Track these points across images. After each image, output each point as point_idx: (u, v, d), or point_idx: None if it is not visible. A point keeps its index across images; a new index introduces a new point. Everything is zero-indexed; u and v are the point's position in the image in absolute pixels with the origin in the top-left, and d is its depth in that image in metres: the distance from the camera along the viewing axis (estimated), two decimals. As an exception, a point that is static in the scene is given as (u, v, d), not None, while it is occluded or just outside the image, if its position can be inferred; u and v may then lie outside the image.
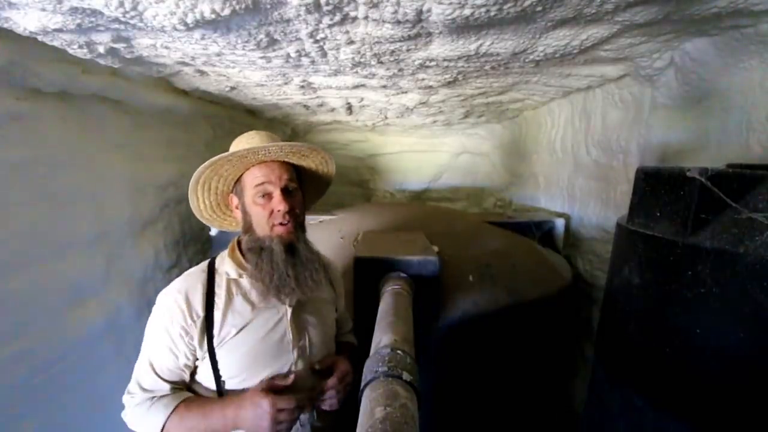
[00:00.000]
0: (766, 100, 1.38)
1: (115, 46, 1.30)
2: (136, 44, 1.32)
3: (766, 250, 0.83)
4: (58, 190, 1.57)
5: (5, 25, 1.12)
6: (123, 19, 1.06)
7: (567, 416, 2.35)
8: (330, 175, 1.19)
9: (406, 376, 0.78)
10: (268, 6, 1.05)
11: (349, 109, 2.90)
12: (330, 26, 1.21)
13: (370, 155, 4.77)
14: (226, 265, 1.04)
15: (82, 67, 1.52)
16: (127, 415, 0.97)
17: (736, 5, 1.19)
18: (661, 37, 1.49)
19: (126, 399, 0.98)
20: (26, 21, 1.07)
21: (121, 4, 0.97)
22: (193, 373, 1.00)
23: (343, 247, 1.84)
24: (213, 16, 1.04)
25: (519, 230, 2.43)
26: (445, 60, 1.61)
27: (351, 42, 1.36)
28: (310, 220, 2.28)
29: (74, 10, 1.01)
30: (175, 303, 0.96)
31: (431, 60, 1.61)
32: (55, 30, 1.12)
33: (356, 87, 2.15)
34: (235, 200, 1.07)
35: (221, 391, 0.98)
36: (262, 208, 0.99)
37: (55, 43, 1.24)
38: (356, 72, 1.81)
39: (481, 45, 1.43)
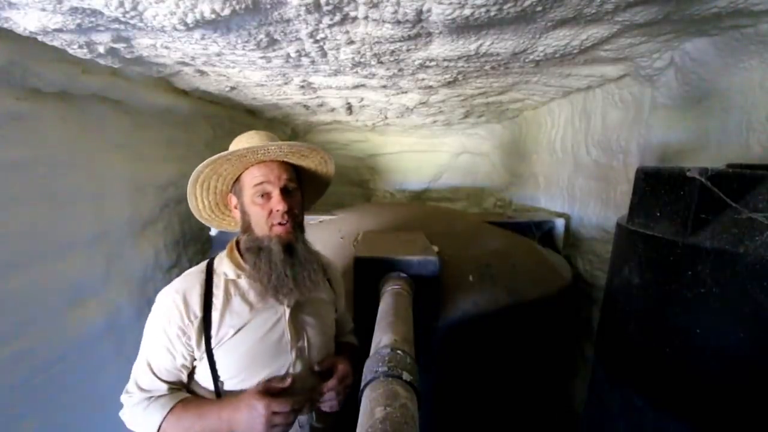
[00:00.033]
0: (766, 100, 1.38)
1: (115, 46, 1.30)
2: (136, 44, 1.32)
3: (766, 250, 0.83)
4: (58, 190, 1.57)
5: (5, 25, 1.12)
6: (123, 19, 1.06)
7: (567, 416, 2.35)
8: (329, 175, 1.19)
9: (406, 376, 0.78)
10: (268, 6, 1.05)
11: (349, 109, 2.90)
12: (330, 26, 1.21)
13: (370, 155, 4.77)
14: (224, 265, 1.04)
15: (82, 67, 1.52)
16: (125, 414, 0.98)
17: (736, 5, 1.19)
18: (661, 37, 1.48)
19: (124, 398, 0.98)
20: (26, 21, 1.07)
21: (121, 4, 0.97)
22: (191, 374, 1.00)
23: (343, 247, 1.84)
24: (213, 16, 1.04)
25: (519, 230, 2.43)
26: (445, 60, 1.61)
27: (351, 42, 1.36)
28: (310, 220, 2.28)
29: (74, 10, 1.01)
30: (173, 303, 0.96)
31: (431, 60, 1.61)
32: (55, 30, 1.12)
33: (356, 87, 2.15)
34: (233, 200, 1.07)
35: (219, 392, 0.98)
36: (260, 208, 0.99)
37: (55, 43, 1.24)
38: (356, 72, 1.81)
39: (481, 45, 1.43)
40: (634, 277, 1.13)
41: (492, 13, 1.11)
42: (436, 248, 1.57)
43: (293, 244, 1.02)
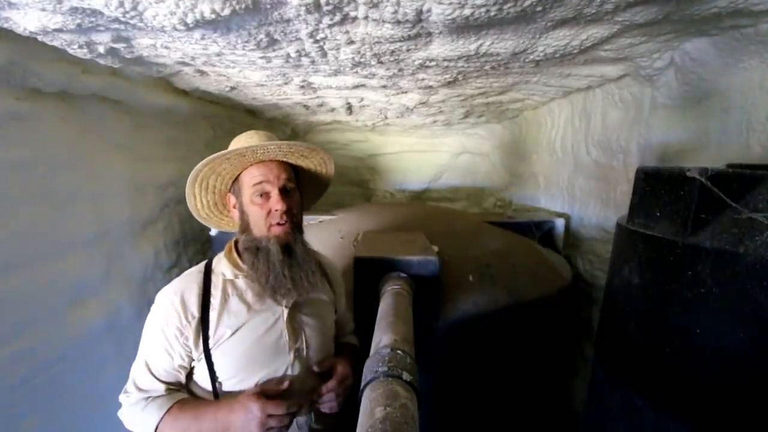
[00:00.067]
0: (766, 100, 1.38)
1: (115, 46, 1.30)
2: (136, 44, 1.32)
3: (766, 250, 0.83)
4: (58, 190, 1.57)
5: (5, 25, 1.12)
6: (123, 19, 1.06)
7: (567, 416, 2.35)
8: (329, 176, 1.19)
9: (406, 376, 0.78)
10: (268, 6, 1.05)
11: (349, 109, 2.90)
12: (330, 26, 1.21)
13: (370, 155, 4.77)
14: (222, 265, 1.04)
15: (82, 67, 1.52)
16: (123, 414, 0.98)
17: (736, 5, 1.19)
18: (661, 37, 1.48)
19: (122, 398, 0.98)
20: (26, 21, 1.07)
21: (121, 4, 0.97)
22: (190, 374, 1.00)
23: (343, 247, 1.84)
24: (213, 16, 1.04)
25: (519, 230, 2.43)
26: (445, 60, 1.61)
27: (351, 42, 1.36)
28: (310, 220, 2.28)
29: (74, 10, 1.01)
30: (170, 304, 0.96)
31: (431, 60, 1.61)
32: (55, 30, 1.12)
33: (356, 87, 2.15)
34: (232, 199, 1.06)
35: (217, 393, 0.98)
36: (259, 208, 0.99)
37: (55, 43, 1.24)
38: (356, 72, 1.81)
39: (481, 45, 1.43)
40: (634, 277, 1.13)
41: (492, 13, 1.11)
42: (436, 248, 1.57)
43: (291, 245, 1.01)
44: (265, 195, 0.99)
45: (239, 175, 1.03)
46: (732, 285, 0.88)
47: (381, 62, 1.63)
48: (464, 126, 3.96)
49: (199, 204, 1.08)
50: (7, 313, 1.35)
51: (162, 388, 0.96)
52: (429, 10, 1.10)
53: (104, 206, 1.81)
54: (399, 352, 0.85)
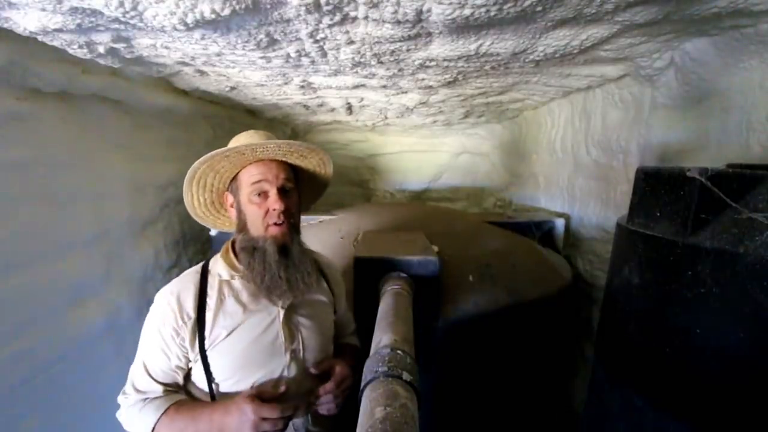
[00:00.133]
0: (766, 100, 1.38)
1: (115, 46, 1.30)
2: (136, 44, 1.32)
3: (766, 250, 0.83)
4: (58, 190, 1.57)
5: (5, 25, 1.12)
6: (123, 19, 1.06)
7: (567, 416, 2.35)
8: (328, 176, 1.18)
9: (406, 376, 0.78)
10: (268, 6, 1.05)
11: (349, 109, 2.90)
12: (330, 26, 1.21)
13: (370, 155, 4.77)
14: (219, 266, 1.04)
15: (82, 67, 1.52)
16: (121, 416, 0.98)
17: (736, 5, 1.19)
18: (661, 37, 1.48)
19: (120, 399, 0.98)
20: (26, 21, 1.07)
21: (121, 4, 0.97)
22: (187, 375, 1.00)
23: (343, 247, 1.84)
24: (213, 16, 1.04)
25: (519, 230, 2.43)
26: (445, 60, 1.61)
27: (351, 42, 1.36)
28: (310, 220, 2.28)
29: (74, 10, 1.01)
30: (167, 304, 0.96)
31: (431, 60, 1.61)
32: (55, 30, 1.12)
33: (356, 87, 2.15)
34: (230, 198, 1.06)
35: (213, 394, 0.98)
36: (257, 207, 0.99)
37: (55, 43, 1.24)
38: (356, 72, 1.81)
39: (481, 45, 1.43)
40: (634, 277, 1.13)
41: (492, 13, 1.11)
42: (436, 248, 1.57)
43: (288, 246, 1.01)
44: (264, 194, 0.99)
45: (237, 173, 1.03)
46: (732, 285, 0.88)
47: (381, 62, 1.63)
48: (464, 126, 3.96)
49: (196, 202, 1.07)
50: (7, 313, 1.35)
51: (159, 389, 0.96)
52: (429, 10, 1.10)
53: (104, 206, 1.80)
54: (399, 352, 0.85)
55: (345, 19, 1.17)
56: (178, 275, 1.05)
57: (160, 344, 0.95)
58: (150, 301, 1.00)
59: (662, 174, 1.08)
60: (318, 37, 1.30)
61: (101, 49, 1.31)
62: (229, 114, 2.76)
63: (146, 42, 1.30)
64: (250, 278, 1.00)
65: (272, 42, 1.34)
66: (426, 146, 4.71)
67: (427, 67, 1.72)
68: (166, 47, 1.36)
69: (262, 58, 1.52)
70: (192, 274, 1.03)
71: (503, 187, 4.15)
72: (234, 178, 1.04)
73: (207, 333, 0.96)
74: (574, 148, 2.62)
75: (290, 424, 0.97)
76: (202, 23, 1.10)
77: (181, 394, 0.99)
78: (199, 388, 1.00)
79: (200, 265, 1.06)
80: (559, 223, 2.58)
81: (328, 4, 1.05)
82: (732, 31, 1.41)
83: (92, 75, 1.58)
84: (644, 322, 1.10)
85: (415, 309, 1.23)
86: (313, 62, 1.62)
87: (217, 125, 2.75)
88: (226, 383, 0.97)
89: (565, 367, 2.42)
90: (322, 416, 1.04)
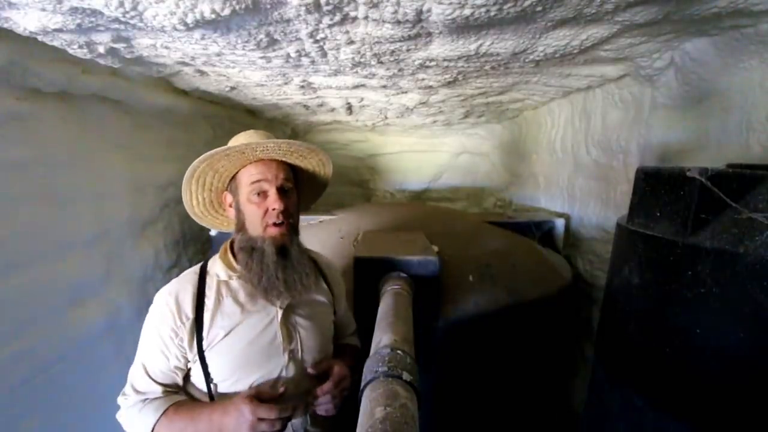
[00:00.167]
0: (766, 100, 1.38)
1: (115, 46, 1.30)
2: (136, 44, 1.32)
3: (766, 250, 0.83)
4: (58, 190, 1.57)
5: (5, 25, 1.12)
6: (123, 19, 1.06)
7: (567, 416, 2.35)
8: (327, 177, 1.18)
9: (406, 376, 0.78)
10: (268, 6, 1.05)
11: (349, 109, 2.90)
12: (330, 26, 1.21)
13: (370, 155, 4.77)
14: (217, 266, 1.04)
15: (82, 67, 1.52)
16: (121, 417, 0.98)
17: (736, 5, 1.19)
18: (661, 37, 1.48)
19: (120, 400, 0.98)
20: (26, 21, 1.07)
21: (121, 4, 0.97)
22: (187, 376, 1.00)
23: (343, 247, 1.84)
24: (213, 16, 1.04)
25: (519, 230, 2.43)
26: (445, 60, 1.61)
27: (351, 42, 1.36)
28: (310, 220, 2.28)
29: (74, 10, 1.01)
30: (165, 305, 0.96)
31: (431, 60, 1.61)
32: (55, 30, 1.12)
33: (356, 87, 2.15)
34: (229, 198, 1.06)
35: (212, 394, 0.98)
36: (256, 207, 0.98)
37: (55, 43, 1.24)
38: (356, 72, 1.81)
39: (481, 45, 1.43)
40: (634, 277, 1.13)
41: (492, 13, 1.11)
42: (436, 248, 1.57)
43: (287, 247, 1.01)
44: (263, 194, 0.99)
45: (237, 173, 1.03)
46: (732, 285, 0.88)
47: (381, 62, 1.63)
48: (464, 126, 3.96)
49: (194, 201, 1.07)
50: (7, 313, 1.35)
51: (159, 390, 0.96)
52: (429, 10, 1.10)
53: (104, 206, 1.80)
54: (399, 352, 0.85)
55: (345, 19, 1.17)
56: (178, 275, 1.05)
57: (158, 345, 0.95)
58: (150, 301, 1.00)
59: (662, 174, 1.08)
60: (318, 37, 1.30)
61: (101, 49, 1.31)
62: (229, 114, 2.76)
63: (146, 42, 1.30)
64: (247, 278, 0.99)
65: (272, 42, 1.34)
66: (426, 146, 4.71)
67: (427, 67, 1.72)
68: (166, 47, 1.36)
69: (262, 58, 1.52)
70: (190, 274, 1.03)
71: (503, 187, 4.15)
72: (233, 178, 1.04)
73: (205, 333, 0.96)
74: (574, 148, 2.62)
75: (289, 424, 0.97)
76: (202, 23, 1.10)
77: (180, 395, 0.99)
78: (197, 388, 1.00)
79: (199, 265, 1.06)
80: (559, 223, 2.58)
81: (328, 4, 1.05)
82: (732, 31, 1.41)
83: (92, 75, 1.58)
84: (644, 322, 1.10)
85: (415, 309, 1.23)
86: (313, 62, 1.62)
87: (217, 125, 2.75)
88: (224, 383, 0.97)
89: (565, 367, 2.42)
90: (321, 417, 1.03)
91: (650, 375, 1.08)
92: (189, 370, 0.99)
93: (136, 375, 0.97)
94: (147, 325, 0.98)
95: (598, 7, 1.14)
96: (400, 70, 1.78)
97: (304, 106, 2.75)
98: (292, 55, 1.50)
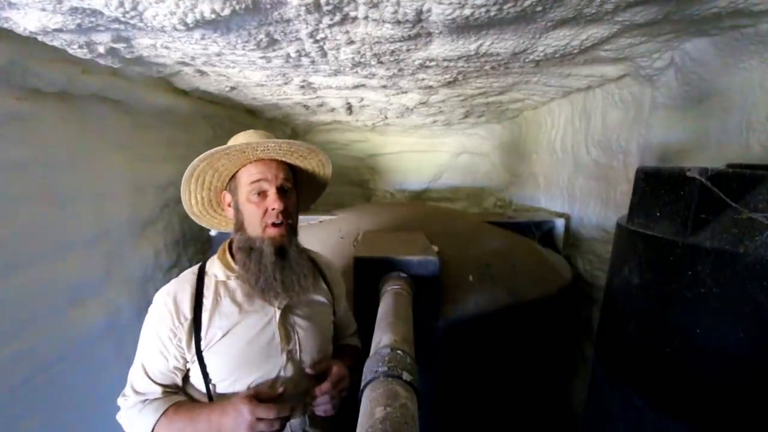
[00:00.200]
0: (766, 100, 1.38)
1: (115, 46, 1.30)
2: (136, 44, 1.32)
3: (766, 250, 0.83)
4: (58, 190, 1.57)
5: (5, 25, 1.12)
6: (123, 19, 1.06)
7: (567, 416, 2.36)
8: (326, 177, 1.18)
9: (406, 376, 0.78)
10: (268, 6, 1.05)
11: (349, 109, 2.90)
12: (330, 26, 1.21)
13: (370, 155, 4.77)
14: (215, 267, 1.04)
15: (82, 67, 1.52)
16: (121, 418, 0.98)
17: (736, 5, 1.19)
18: (661, 37, 1.48)
19: (120, 401, 0.98)
20: (26, 21, 1.07)
21: (121, 4, 0.97)
22: (186, 376, 1.00)
23: (343, 247, 1.84)
24: (213, 16, 1.04)
25: (519, 230, 2.43)
26: (445, 60, 1.61)
27: (351, 42, 1.36)
28: (310, 220, 2.28)
29: (74, 10, 1.01)
30: (164, 305, 0.96)
31: (431, 60, 1.61)
32: (55, 30, 1.12)
33: (356, 87, 2.15)
34: (228, 197, 1.06)
35: (211, 394, 0.98)
36: (255, 206, 0.98)
37: (55, 43, 1.24)
38: (356, 72, 1.81)
39: (481, 45, 1.43)
40: (634, 277, 1.13)
41: (492, 13, 1.11)
42: (436, 248, 1.57)
43: (286, 247, 1.01)
44: (262, 193, 0.99)
45: (236, 172, 1.03)
46: (732, 285, 0.88)
47: (381, 62, 1.63)
48: (464, 126, 3.96)
49: (193, 200, 1.07)
50: (7, 313, 1.35)
51: (158, 390, 0.96)
52: (429, 10, 1.10)
53: (104, 206, 1.80)
54: (399, 352, 0.85)
55: (345, 19, 1.17)
56: (177, 275, 1.05)
57: (157, 346, 0.95)
58: (150, 302, 1.00)
59: (662, 174, 1.08)
60: (318, 37, 1.30)
61: (101, 49, 1.31)
62: (229, 114, 2.76)
63: (146, 42, 1.30)
64: (245, 279, 0.99)
65: (272, 42, 1.34)
66: (426, 146, 4.71)
67: (427, 67, 1.72)
68: (166, 47, 1.36)
69: (262, 58, 1.52)
70: (189, 275, 1.03)
71: (503, 187, 4.15)
72: (233, 177, 1.04)
73: (203, 334, 0.96)
74: (574, 148, 2.62)
75: (288, 425, 0.97)
76: (202, 23, 1.10)
77: (180, 396, 0.99)
78: (196, 388, 1.00)
79: (197, 266, 1.06)
80: (559, 223, 2.58)
81: (328, 4, 1.05)
82: (732, 31, 1.41)
83: (92, 75, 1.58)
84: (644, 322, 1.10)
85: (415, 309, 1.23)
86: (313, 62, 1.62)
87: (217, 125, 2.75)
88: (222, 384, 0.97)
89: (565, 367, 2.42)
90: (320, 417, 1.03)
91: (650, 375, 1.08)
92: (188, 370, 0.99)
93: (135, 376, 0.97)
94: (146, 326, 0.98)
95: (598, 7, 1.14)
96: (400, 70, 1.78)
97: (304, 106, 2.75)
98: (292, 55, 1.50)
